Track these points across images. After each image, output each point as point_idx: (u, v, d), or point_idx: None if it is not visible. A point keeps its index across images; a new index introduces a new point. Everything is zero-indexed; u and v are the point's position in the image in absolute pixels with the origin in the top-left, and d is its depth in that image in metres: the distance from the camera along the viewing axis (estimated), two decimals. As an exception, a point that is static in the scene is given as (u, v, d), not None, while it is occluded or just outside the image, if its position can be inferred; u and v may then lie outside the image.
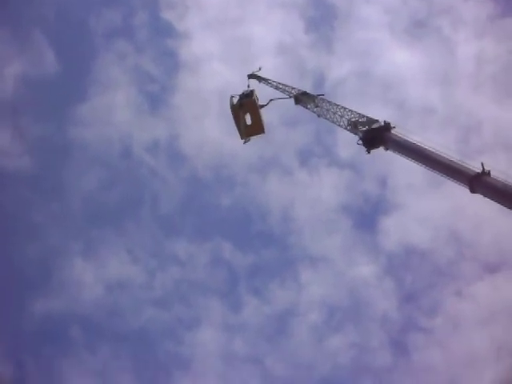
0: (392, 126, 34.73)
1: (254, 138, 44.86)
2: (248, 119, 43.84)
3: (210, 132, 78.51)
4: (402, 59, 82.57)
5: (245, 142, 43.56)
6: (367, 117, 36.32)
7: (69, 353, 66.20)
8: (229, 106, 43.84)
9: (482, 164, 28.54)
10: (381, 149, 35.46)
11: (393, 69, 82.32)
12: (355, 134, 36.56)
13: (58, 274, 72.06)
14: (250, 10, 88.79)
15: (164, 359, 67.89)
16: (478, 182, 28.37)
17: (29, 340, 66.30)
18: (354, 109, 37.26)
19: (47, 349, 65.76)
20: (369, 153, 35.76)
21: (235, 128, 44.30)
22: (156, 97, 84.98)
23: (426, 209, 71.29)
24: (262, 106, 44.31)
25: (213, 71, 78.41)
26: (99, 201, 78.10)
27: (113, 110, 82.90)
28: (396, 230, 73.06)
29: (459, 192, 29.91)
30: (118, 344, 67.84)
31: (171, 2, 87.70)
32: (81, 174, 78.02)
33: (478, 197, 28.65)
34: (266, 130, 44.55)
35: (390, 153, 34.67)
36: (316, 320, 68.74)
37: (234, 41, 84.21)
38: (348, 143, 37.05)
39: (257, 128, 44.07)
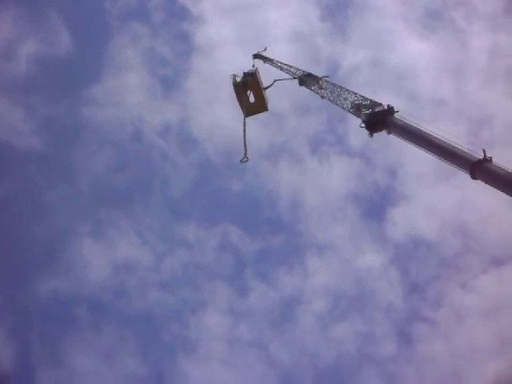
0: (395, 110, 34.28)
1: (259, 117, 44.55)
2: (251, 98, 43.56)
3: (222, 117, 77.83)
4: (415, 50, 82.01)
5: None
6: (371, 100, 35.89)
7: (74, 333, 66.13)
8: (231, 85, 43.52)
9: (484, 150, 28.21)
10: (384, 133, 34.94)
11: (406, 59, 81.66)
12: (358, 116, 36.17)
13: (65, 255, 72.05)
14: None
15: (169, 342, 67.83)
16: (479, 169, 27.99)
17: (34, 320, 66.39)
18: (358, 92, 36.84)
19: (53, 329, 65.67)
20: (371, 136, 35.35)
21: (238, 107, 43.88)
22: (169, 80, 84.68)
23: (435, 200, 70.75)
24: (267, 88, 43.97)
25: (226, 56, 77.77)
26: (109, 183, 77.89)
27: (125, 92, 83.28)
28: (404, 220, 72.60)
29: (468, 184, 29.50)
30: (124, 326, 67.70)
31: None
32: (91, 155, 77.54)
33: (486, 189, 28.09)
34: (269, 108, 44.14)
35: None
36: (321, 308, 68.35)
37: (248, 26, 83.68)
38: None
39: (260, 106, 43.79)
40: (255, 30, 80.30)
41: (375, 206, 75.18)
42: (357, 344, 65.21)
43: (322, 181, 77.75)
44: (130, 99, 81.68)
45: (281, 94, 44.82)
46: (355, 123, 37.02)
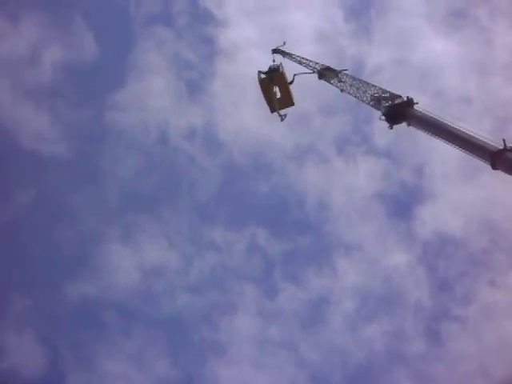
0: (415, 101, 34.07)
1: (287, 120, 44.63)
2: (277, 93, 43.95)
3: (247, 119, 78.47)
4: (439, 48, 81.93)
5: (282, 120, 43.47)
6: (390, 92, 35.77)
7: (103, 337, 67.10)
8: (257, 82, 43.91)
9: (504, 140, 27.93)
10: (404, 125, 34.73)
11: (430, 58, 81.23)
12: (378, 109, 36.01)
13: (94, 259, 73.23)
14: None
15: (199, 344, 68.46)
16: (500, 158, 27.70)
17: (64, 324, 67.40)
18: (377, 84, 36.72)
19: (82, 333, 66.64)
20: (391, 128, 35.22)
21: (264, 104, 44.33)
22: (194, 83, 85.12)
23: (461, 198, 70.70)
24: (290, 83, 44.22)
25: (250, 58, 77.87)
26: (136, 187, 78.66)
27: (150, 96, 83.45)
28: (431, 218, 72.28)
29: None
30: (154, 329, 68.43)
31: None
32: (118, 159, 78.66)
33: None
34: (295, 102, 44.51)
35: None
36: (350, 307, 68.64)
37: (272, 28, 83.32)
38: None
39: (286, 101, 44.20)
40: (279, 31, 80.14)
41: (402, 204, 75.41)
42: (386, 343, 65.47)
43: (348, 181, 78.04)
44: (154, 103, 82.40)
45: (305, 94, 44.97)
46: (380, 123, 36.69)
